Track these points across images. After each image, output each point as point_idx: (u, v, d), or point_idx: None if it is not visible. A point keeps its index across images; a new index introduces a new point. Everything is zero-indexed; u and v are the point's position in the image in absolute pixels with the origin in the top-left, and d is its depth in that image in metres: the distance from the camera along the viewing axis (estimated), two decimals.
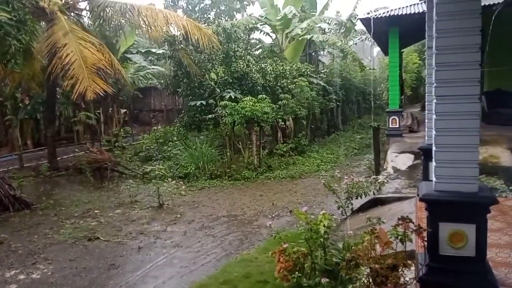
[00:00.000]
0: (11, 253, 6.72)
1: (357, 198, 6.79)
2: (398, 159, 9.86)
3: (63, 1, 12.51)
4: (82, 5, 13.85)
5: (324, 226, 4.02)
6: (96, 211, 9.12)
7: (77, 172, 12.53)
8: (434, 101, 3.28)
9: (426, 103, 5.63)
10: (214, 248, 6.70)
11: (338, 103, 20.27)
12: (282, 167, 13.10)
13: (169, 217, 8.57)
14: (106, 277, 5.74)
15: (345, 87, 21.57)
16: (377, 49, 28.50)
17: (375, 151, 11.01)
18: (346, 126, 22.53)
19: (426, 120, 5.58)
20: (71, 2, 13.10)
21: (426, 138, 5.53)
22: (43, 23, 12.22)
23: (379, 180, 7.53)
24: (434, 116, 3.30)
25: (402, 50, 16.23)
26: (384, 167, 10.18)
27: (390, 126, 12.07)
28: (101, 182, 11.89)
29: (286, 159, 13.93)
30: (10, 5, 6.82)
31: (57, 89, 14.62)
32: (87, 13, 13.96)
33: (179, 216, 8.62)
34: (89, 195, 10.66)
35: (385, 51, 16.81)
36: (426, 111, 5.61)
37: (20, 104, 16.47)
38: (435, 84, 3.26)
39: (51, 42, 11.35)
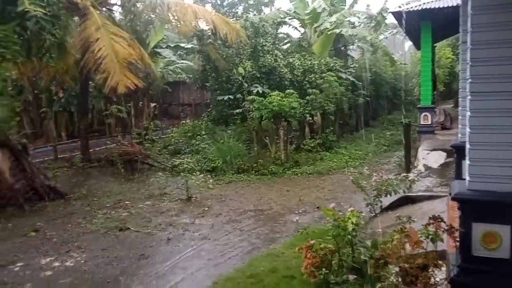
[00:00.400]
0: (46, 241, 7.00)
1: (386, 196, 6.71)
2: (430, 157, 9.65)
3: None
4: (114, 0, 14.16)
5: (352, 223, 4.00)
6: (127, 202, 9.36)
7: (109, 164, 12.86)
8: (469, 97, 3.19)
9: (460, 99, 5.48)
10: (241, 241, 6.76)
11: (367, 98, 19.96)
12: (309, 163, 13.03)
13: (197, 210, 8.70)
14: (137, 266, 5.90)
15: (375, 82, 21.19)
16: (408, 43, 27.88)
17: (406, 148, 10.81)
18: (375, 122, 22.15)
19: (460, 117, 5.43)
20: None
21: (460, 135, 5.38)
22: (76, 18, 12.54)
23: (410, 178, 7.40)
24: (468, 113, 3.21)
25: (435, 45, 15.80)
26: (415, 164, 9.99)
27: (422, 122, 11.82)
28: (131, 174, 12.18)
29: (313, 155, 13.84)
30: (45, 0, 7.02)
31: (90, 82, 15.01)
32: (118, 8, 14.27)
33: (206, 209, 8.74)
34: (120, 187, 10.94)
35: (417, 45, 16.43)
36: (460, 108, 5.46)
37: (55, 97, 17.04)
38: (469, 80, 3.17)
39: (84, 37, 11.64)
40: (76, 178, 11.96)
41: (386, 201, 6.89)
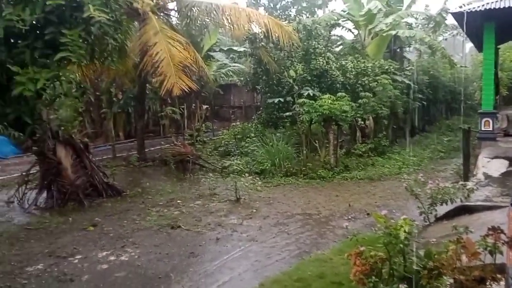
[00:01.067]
0: (103, 236, 7.38)
1: (442, 205, 6.41)
2: (490, 165, 9.10)
3: (154, 2, 13.33)
4: (171, 5, 14.68)
5: (404, 231, 3.86)
6: (178, 201, 9.65)
7: (162, 164, 13.34)
8: None
9: None
10: (288, 245, 6.76)
11: (424, 102, 19.17)
12: (360, 168, 12.73)
13: (245, 211, 8.80)
14: (186, 264, 6.07)
15: (433, 85, 20.32)
16: (469, 45, 26.41)
17: (465, 155, 10.25)
18: (432, 127, 21.22)
19: None
20: (161, 3, 13.92)
21: None
22: (136, 23, 13.13)
23: (468, 187, 7.00)
24: None
25: (498, 47, 14.87)
26: (474, 172, 9.46)
27: (483, 128, 11.15)
28: (183, 174, 12.55)
29: (364, 160, 13.51)
30: (109, 7, 7.39)
31: (147, 85, 15.65)
32: (175, 13, 14.76)
33: (254, 211, 8.81)
34: (173, 186, 11.31)
35: (479, 47, 15.54)
36: None
37: (114, 98, 17.96)
38: None
39: (143, 41, 12.20)
40: (132, 176, 12.51)
41: (442, 210, 6.59)
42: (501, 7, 10.50)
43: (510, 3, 10.48)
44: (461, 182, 7.92)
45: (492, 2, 10.87)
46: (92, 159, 10.17)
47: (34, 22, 6.28)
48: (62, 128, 9.57)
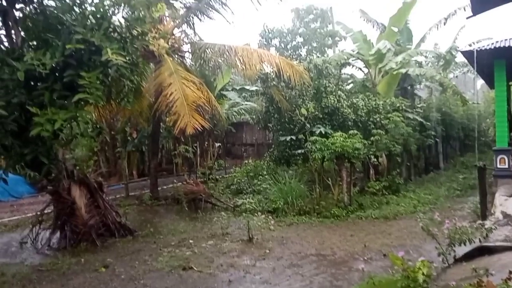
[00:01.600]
0: (115, 277, 7.28)
1: (460, 245, 6.21)
2: (508, 203, 8.88)
3: (169, 45, 13.79)
4: (185, 47, 15.16)
5: (423, 274, 3.76)
6: (190, 241, 9.54)
7: (175, 202, 13.32)
8: None
9: None
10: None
11: (437, 139, 19.05)
12: (375, 206, 12.52)
13: (258, 251, 8.64)
14: None
15: (445, 122, 20.25)
16: (481, 82, 26.49)
17: (481, 193, 10.04)
18: (446, 164, 20.95)
19: None
20: (176, 46, 14.39)
21: None
22: (152, 64, 13.54)
23: (486, 226, 6.81)
24: None
25: (510, 83, 14.89)
26: (492, 211, 9.23)
27: (498, 166, 10.98)
28: (195, 213, 12.47)
29: (379, 198, 13.31)
30: (126, 50, 7.67)
31: (161, 124, 15.92)
32: (189, 55, 15.22)
33: (267, 251, 8.64)
34: (185, 225, 11.22)
35: (490, 84, 15.59)
36: None
37: (129, 138, 18.26)
38: None
39: (158, 82, 12.55)
40: (144, 216, 12.48)
41: (461, 250, 6.38)
42: (511, 45, 10.62)
43: None
44: (479, 222, 7.72)
45: (502, 41, 11.01)
46: (105, 198, 10.22)
47: (53, 65, 6.54)
48: (77, 167, 9.72)
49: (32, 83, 6.93)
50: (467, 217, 10.45)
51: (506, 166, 10.98)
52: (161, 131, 17.21)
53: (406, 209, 12.25)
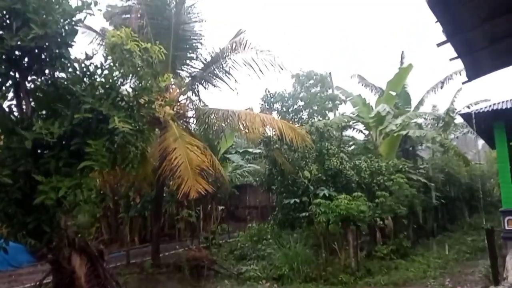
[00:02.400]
0: None
1: None
2: None
3: (175, 111, 14.17)
4: (190, 113, 15.57)
5: None
6: None
7: (177, 270, 12.92)
8: None
9: None
10: None
11: (442, 200, 18.85)
12: (383, 272, 12.10)
13: None
14: None
15: (449, 183, 20.16)
16: (482, 141, 26.72)
17: (492, 256, 9.75)
18: (454, 226, 20.54)
19: None
20: (181, 112, 14.79)
21: None
22: (157, 130, 13.82)
23: None
24: None
25: (511, 143, 15.04)
26: (504, 275, 8.89)
27: (507, 227, 10.76)
28: (197, 281, 12.06)
29: (387, 263, 12.91)
30: (132, 118, 7.84)
31: (165, 188, 15.90)
32: (194, 120, 15.59)
33: None
34: None
35: (491, 144, 15.73)
36: None
37: (132, 203, 18.13)
38: None
39: (163, 147, 12.73)
40: (144, 285, 12.07)
41: None
42: (508, 107, 10.85)
43: None
44: (491, 287, 7.42)
45: (500, 103, 11.28)
46: (106, 267, 9.92)
47: (61, 133, 6.67)
48: (79, 235, 9.55)
49: (39, 151, 7.03)
50: (478, 282, 10.07)
51: None
52: (164, 195, 17.15)
53: (416, 274, 11.84)
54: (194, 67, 15.25)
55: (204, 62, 14.96)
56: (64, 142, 7.04)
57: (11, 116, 7.63)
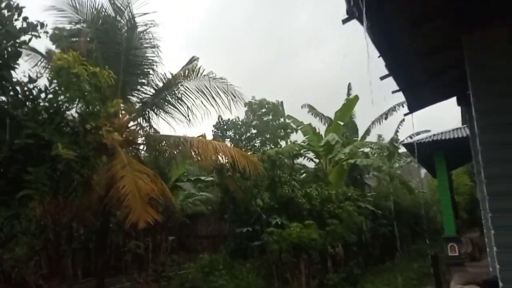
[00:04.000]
0: None
1: None
2: None
3: (123, 137, 13.75)
4: (140, 140, 15.17)
5: None
6: None
7: None
8: (492, 232, 3.12)
9: (485, 230, 5.32)
10: None
11: (389, 227, 19.46)
12: None
13: None
14: None
15: (395, 210, 20.89)
16: (424, 170, 28.16)
17: (437, 283, 10.11)
18: (400, 252, 21.17)
19: (488, 249, 5.20)
20: (131, 138, 14.37)
21: (491, 269, 5.08)
22: (104, 157, 13.30)
23: None
24: (495, 249, 3.09)
25: (450, 172, 15.96)
26: None
27: (450, 254, 11.26)
28: None
29: None
30: (77, 144, 7.54)
31: (111, 218, 15.19)
32: (143, 147, 15.18)
33: None
34: None
35: (432, 173, 16.59)
36: (486, 239, 5.26)
37: (75, 234, 17.09)
38: (490, 215, 3.13)
39: (110, 175, 12.17)
40: None
41: None
42: (447, 138, 11.56)
43: (455, 134, 11.58)
44: None
45: (439, 134, 12.00)
46: None
47: None
48: (16, 269, 8.86)
49: None
50: None
51: (457, 253, 11.28)
52: (111, 225, 16.37)
53: None
54: (145, 93, 14.99)
55: (156, 88, 14.76)
56: (1, 170, 6.60)
57: None
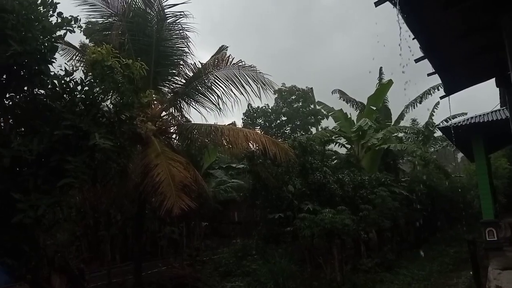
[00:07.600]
0: None
1: None
2: (502, 277, 8.68)
3: (157, 127, 14.05)
4: (173, 129, 15.46)
5: None
6: None
7: None
8: None
9: None
10: None
11: (424, 213, 19.08)
12: (369, 285, 12.11)
13: None
14: None
15: (431, 195, 20.44)
16: (461, 154, 27.30)
17: (474, 268, 9.87)
18: (436, 238, 20.76)
19: None
20: (163, 128, 14.68)
21: None
22: (139, 146, 13.65)
23: None
24: None
25: (489, 156, 15.38)
26: (487, 286, 8.98)
27: (487, 238, 10.93)
28: None
29: (372, 276, 12.92)
30: (113, 134, 7.75)
31: (146, 205, 15.65)
32: (176, 136, 15.48)
33: None
34: None
35: (470, 157, 16.07)
36: None
37: (113, 220, 17.76)
38: None
39: (145, 163, 12.53)
40: None
41: None
42: (486, 120, 11.12)
43: (493, 116, 11.11)
44: None
45: (477, 117, 11.55)
46: (86, 286, 9.67)
47: (40, 151, 6.54)
48: (59, 254, 9.30)
49: (17, 168, 6.86)
50: None
51: (495, 238, 10.94)
52: (147, 212, 16.87)
53: (401, 287, 11.89)
54: (176, 83, 15.22)
55: (186, 78, 14.94)
56: (43, 159, 6.90)
57: None
